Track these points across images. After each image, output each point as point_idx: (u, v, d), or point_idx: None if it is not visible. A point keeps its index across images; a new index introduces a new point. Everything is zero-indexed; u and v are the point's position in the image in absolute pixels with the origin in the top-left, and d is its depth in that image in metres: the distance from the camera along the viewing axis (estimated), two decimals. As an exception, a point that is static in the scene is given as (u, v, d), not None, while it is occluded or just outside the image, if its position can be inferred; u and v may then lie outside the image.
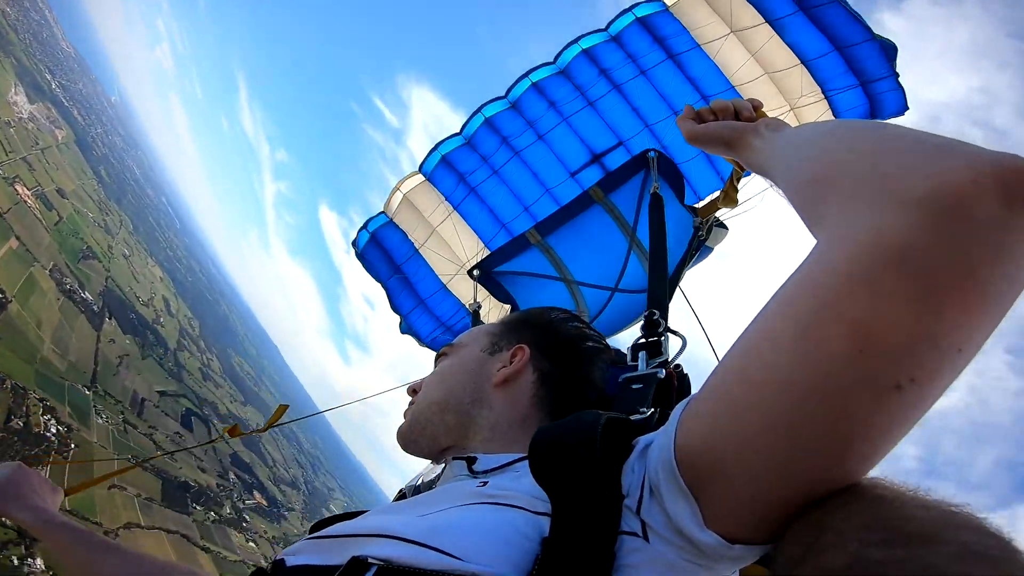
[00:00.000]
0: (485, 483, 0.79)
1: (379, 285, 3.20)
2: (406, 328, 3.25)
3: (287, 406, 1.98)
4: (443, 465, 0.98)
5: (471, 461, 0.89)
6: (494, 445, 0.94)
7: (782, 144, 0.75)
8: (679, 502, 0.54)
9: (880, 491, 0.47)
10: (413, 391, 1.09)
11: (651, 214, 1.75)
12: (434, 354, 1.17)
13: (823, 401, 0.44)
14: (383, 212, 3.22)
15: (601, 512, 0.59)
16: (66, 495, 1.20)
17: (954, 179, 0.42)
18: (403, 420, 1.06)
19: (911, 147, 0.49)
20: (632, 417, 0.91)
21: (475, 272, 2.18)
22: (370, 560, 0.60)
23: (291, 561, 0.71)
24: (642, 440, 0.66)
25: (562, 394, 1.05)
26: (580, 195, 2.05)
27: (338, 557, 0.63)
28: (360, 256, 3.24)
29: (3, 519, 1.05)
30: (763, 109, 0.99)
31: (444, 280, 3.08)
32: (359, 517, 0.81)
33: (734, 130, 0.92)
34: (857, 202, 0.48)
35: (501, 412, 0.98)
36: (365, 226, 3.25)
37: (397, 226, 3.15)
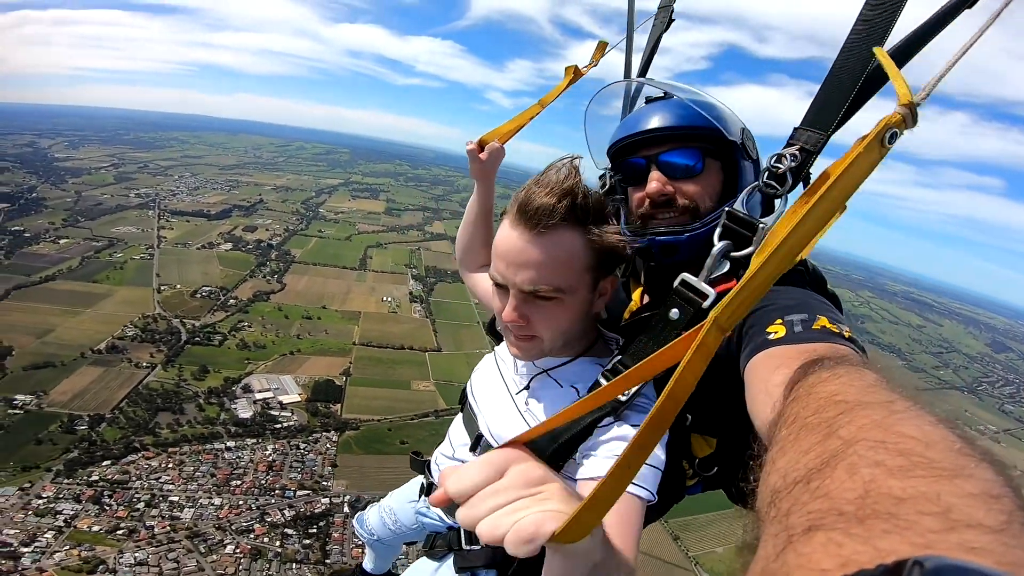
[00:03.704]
0: (528, 398, 1.31)
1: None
2: None
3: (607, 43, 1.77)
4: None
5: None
6: (562, 351, 1.31)
7: None
8: None
9: (890, 393, 0.44)
10: (523, 331, 1.20)
11: None
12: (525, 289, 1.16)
13: None
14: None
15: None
16: (500, 141, 1.68)
17: None
18: (521, 345, 1.24)
19: None
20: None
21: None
22: (484, 437, 1.35)
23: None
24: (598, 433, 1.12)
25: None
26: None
27: (475, 429, 1.39)
28: None
29: None
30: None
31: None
32: (484, 394, 1.44)
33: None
34: None
35: (585, 328, 1.30)
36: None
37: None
